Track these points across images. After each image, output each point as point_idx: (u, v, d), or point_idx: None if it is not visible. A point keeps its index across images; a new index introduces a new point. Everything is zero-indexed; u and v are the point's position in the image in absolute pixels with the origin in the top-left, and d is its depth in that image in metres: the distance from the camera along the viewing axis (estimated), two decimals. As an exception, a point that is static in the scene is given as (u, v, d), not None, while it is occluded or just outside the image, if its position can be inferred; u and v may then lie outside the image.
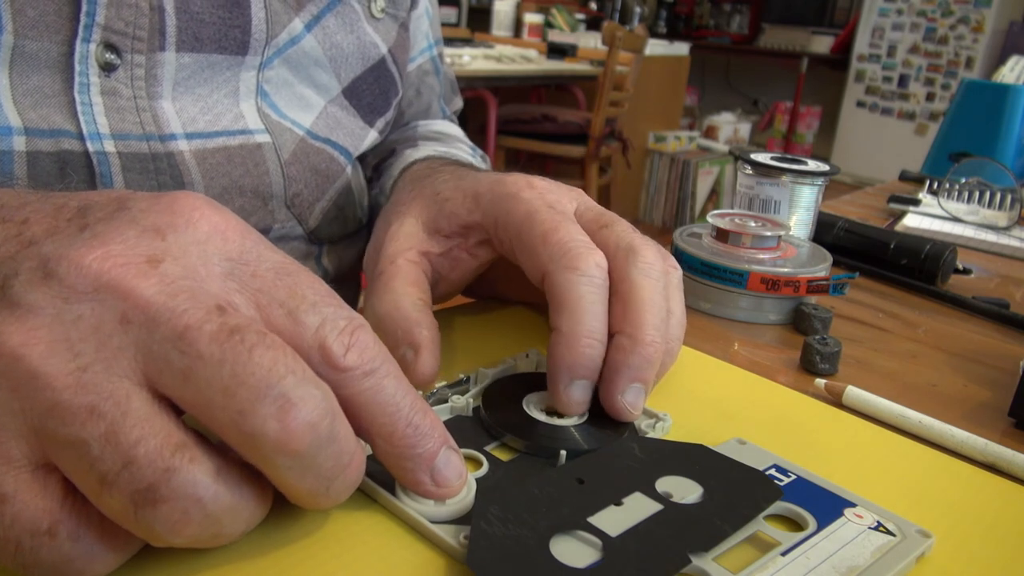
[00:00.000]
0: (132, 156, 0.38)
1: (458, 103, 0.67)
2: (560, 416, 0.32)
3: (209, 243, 0.23)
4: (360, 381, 0.24)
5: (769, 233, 0.50)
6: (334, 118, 0.48)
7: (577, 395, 0.31)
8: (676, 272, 0.35)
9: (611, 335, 0.32)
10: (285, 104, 0.45)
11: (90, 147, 0.36)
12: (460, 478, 0.26)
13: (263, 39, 0.42)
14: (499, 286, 0.44)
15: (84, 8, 0.35)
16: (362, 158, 0.58)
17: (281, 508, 0.26)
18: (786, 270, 0.48)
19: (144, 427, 0.20)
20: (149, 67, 0.38)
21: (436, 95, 0.63)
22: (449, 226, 0.37)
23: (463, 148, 0.60)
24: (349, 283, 0.54)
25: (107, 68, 0.37)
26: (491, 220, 0.36)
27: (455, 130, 0.63)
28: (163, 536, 0.20)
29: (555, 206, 0.35)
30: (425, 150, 0.54)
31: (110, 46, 0.37)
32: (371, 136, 0.52)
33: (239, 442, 0.21)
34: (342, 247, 0.51)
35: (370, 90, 0.50)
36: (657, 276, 0.33)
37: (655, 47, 3.68)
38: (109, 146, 0.37)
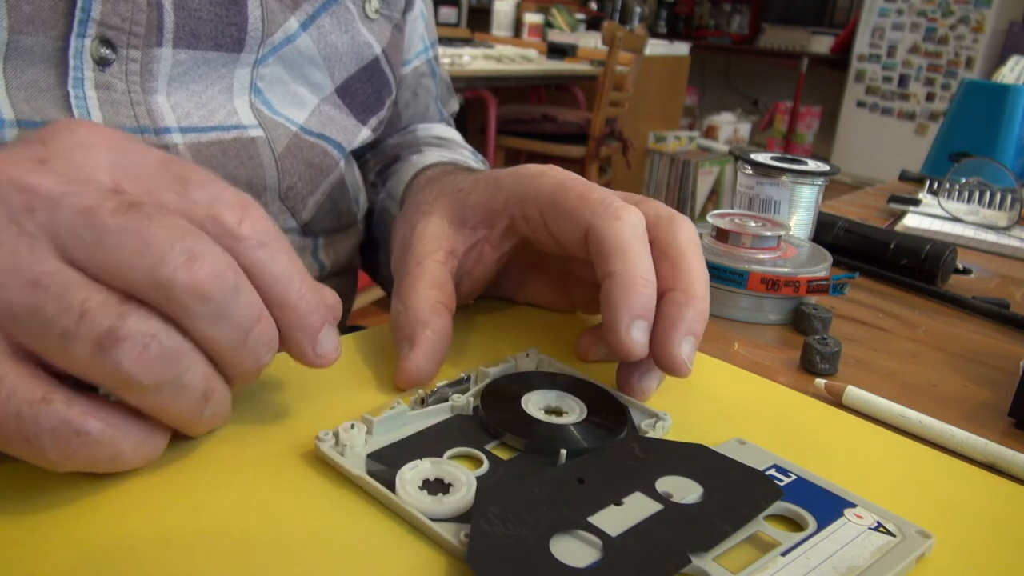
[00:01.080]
0: None
1: (454, 105, 0.68)
2: (560, 415, 0.32)
3: (90, 145, 0.26)
4: (255, 250, 0.26)
5: (769, 233, 0.50)
6: (327, 115, 0.49)
7: (639, 335, 0.32)
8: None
9: (661, 295, 0.33)
10: (278, 101, 0.45)
11: None
12: (337, 351, 0.29)
13: (259, 37, 0.43)
14: (504, 287, 0.44)
15: (79, 4, 0.36)
16: (363, 161, 0.59)
17: (282, 508, 0.26)
18: (786, 270, 0.48)
19: (86, 287, 0.23)
20: (145, 62, 0.39)
21: (433, 97, 0.63)
22: (474, 217, 0.38)
23: (465, 153, 0.60)
24: (346, 276, 0.54)
25: (102, 63, 0.37)
26: (516, 199, 0.37)
27: (455, 135, 0.64)
28: (132, 375, 0.23)
29: (581, 180, 0.36)
30: (432, 156, 0.54)
31: (105, 41, 0.37)
32: (364, 133, 0.52)
33: (155, 295, 0.23)
34: (337, 240, 0.51)
35: (363, 89, 0.50)
36: (699, 244, 0.35)
37: (655, 47, 3.68)
38: None
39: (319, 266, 0.50)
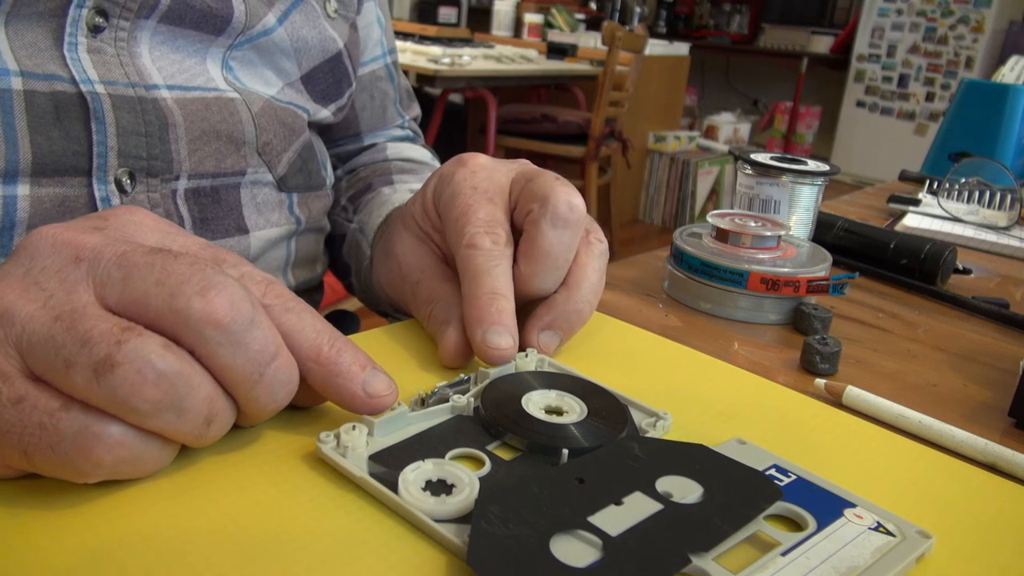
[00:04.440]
0: (121, 98, 0.40)
1: (415, 110, 0.71)
2: (560, 415, 0.32)
3: (143, 224, 0.29)
4: (281, 314, 0.28)
5: (769, 233, 0.50)
6: (289, 96, 0.52)
7: (494, 339, 0.35)
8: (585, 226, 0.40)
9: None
10: (247, 78, 0.48)
11: (83, 88, 0.39)
12: (390, 389, 0.29)
13: (240, 28, 0.46)
14: None
15: None
16: (334, 180, 0.62)
17: (284, 509, 0.26)
18: (786, 270, 0.48)
19: (97, 319, 0.24)
20: (131, 30, 0.41)
21: (391, 100, 0.66)
22: (425, 220, 0.42)
23: None
24: (319, 233, 0.57)
25: (94, 30, 0.40)
26: (435, 200, 0.41)
27: (424, 154, 0.67)
28: (127, 399, 0.24)
29: (478, 186, 0.39)
30: (401, 190, 0.58)
31: (100, 11, 0.40)
32: (324, 112, 0.55)
33: (172, 322, 0.25)
34: (310, 200, 0.54)
35: (325, 79, 0.54)
36: (563, 225, 0.37)
37: (655, 47, 3.68)
38: (100, 89, 0.40)
39: (295, 219, 0.52)
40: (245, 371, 0.26)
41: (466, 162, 0.40)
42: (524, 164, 0.42)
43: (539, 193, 0.37)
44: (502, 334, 0.35)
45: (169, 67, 0.43)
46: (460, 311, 0.38)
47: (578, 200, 0.37)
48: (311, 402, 0.32)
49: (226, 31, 0.45)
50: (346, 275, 0.62)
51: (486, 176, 0.40)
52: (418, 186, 0.58)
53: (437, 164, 0.66)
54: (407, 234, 0.43)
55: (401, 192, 0.58)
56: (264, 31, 0.47)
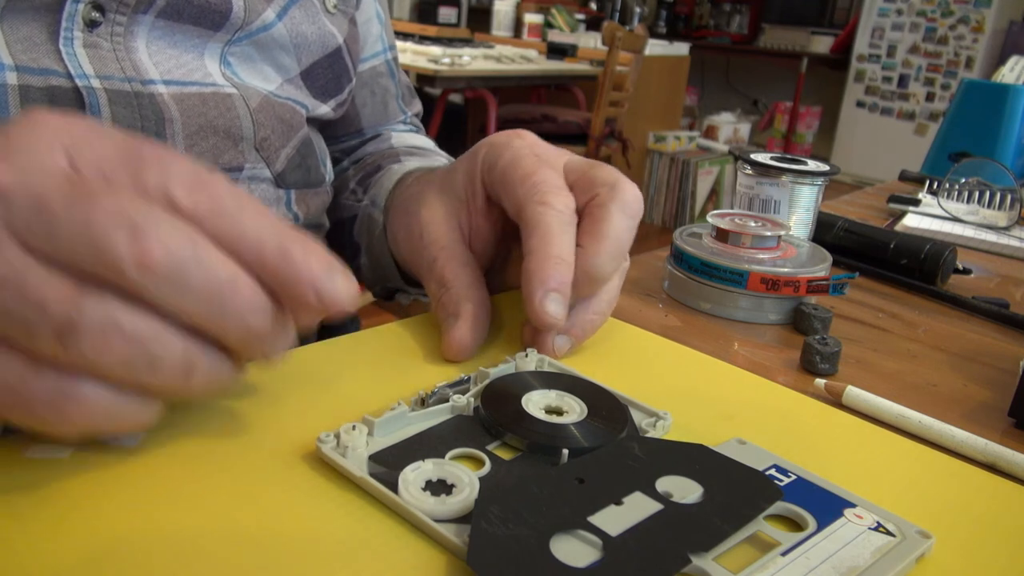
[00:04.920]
0: (117, 93, 0.40)
1: (417, 105, 0.70)
2: (560, 415, 0.32)
3: (48, 132, 0.25)
4: (216, 222, 0.25)
5: (769, 233, 0.50)
6: (289, 92, 0.51)
7: (552, 307, 0.35)
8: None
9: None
10: (245, 74, 0.48)
11: (79, 83, 0.39)
12: (350, 292, 0.26)
13: (238, 24, 0.45)
14: (511, 275, 0.46)
15: None
16: (341, 170, 0.62)
17: (284, 510, 0.26)
18: (786, 270, 0.48)
19: (45, 279, 0.23)
20: (128, 25, 0.41)
21: (393, 96, 0.66)
22: (463, 190, 0.41)
23: (441, 160, 0.63)
24: (317, 231, 0.56)
25: (91, 25, 0.39)
26: (486, 167, 0.40)
27: (428, 143, 0.67)
28: (96, 361, 0.23)
29: (540, 155, 0.39)
30: (411, 164, 0.57)
31: (97, 6, 0.39)
32: (323, 108, 0.55)
33: (110, 278, 0.23)
34: (308, 196, 0.53)
35: (324, 74, 0.53)
36: (629, 213, 0.37)
37: (655, 47, 3.68)
38: (96, 84, 0.40)
39: (292, 216, 0.52)
40: (202, 311, 0.24)
41: (522, 135, 0.41)
42: (571, 153, 0.42)
43: (607, 180, 0.38)
44: (560, 303, 0.35)
45: (166, 62, 0.43)
46: (471, 304, 0.38)
47: (640, 195, 0.38)
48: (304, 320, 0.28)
49: (224, 26, 0.45)
50: (354, 257, 0.60)
51: (544, 149, 0.40)
52: (427, 163, 0.58)
53: (443, 152, 0.66)
54: (437, 200, 0.42)
55: (409, 164, 0.57)
56: (263, 26, 0.47)
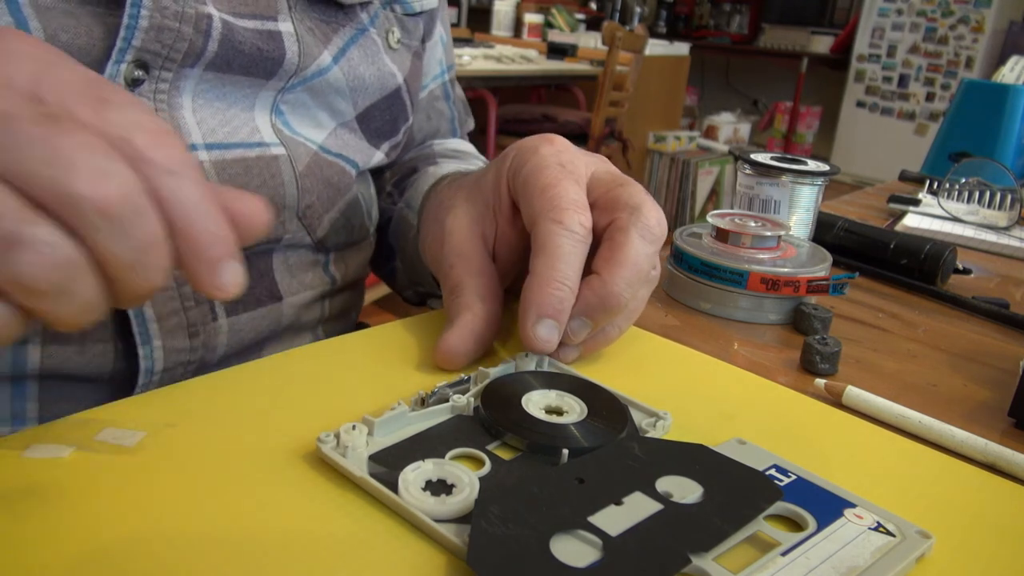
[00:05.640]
0: None
1: (470, 124, 0.69)
2: (560, 415, 0.32)
3: (16, 52, 0.26)
4: (163, 176, 0.25)
5: (769, 233, 0.50)
6: (343, 138, 0.49)
7: (543, 332, 0.35)
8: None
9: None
10: (298, 122, 0.46)
11: None
12: (238, 286, 0.27)
13: (292, 70, 0.43)
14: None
15: (121, 34, 0.36)
16: (377, 173, 0.60)
17: (284, 510, 0.26)
18: (786, 270, 0.48)
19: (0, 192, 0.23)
20: (174, 81, 0.39)
21: (446, 119, 0.64)
22: (490, 194, 0.40)
23: (478, 163, 0.61)
24: (355, 290, 0.55)
25: (133, 83, 0.38)
26: (512, 172, 0.39)
27: (469, 147, 0.65)
28: (27, 278, 0.23)
29: (566, 165, 0.38)
30: (448, 167, 0.56)
31: (141, 64, 0.37)
32: (377, 156, 0.53)
33: (60, 205, 0.23)
34: (348, 255, 0.52)
35: (381, 116, 0.51)
36: (650, 238, 0.36)
37: (655, 47, 3.68)
38: None
39: (330, 279, 0.50)
40: (125, 258, 0.25)
41: (552, 140, 0.39)
42: (601, 160, 0.41)
43: (630, 202, 0.37)
44: (553, 329, 0.35)
45: (211, 119, 0.41)
46: (470, 314, 0.37)
47: (664, 219, 0.37)
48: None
49: (277, 74, 0.43)
50: (389, 260, 0.59)
51: (571, 159, 0.39)
52: (464, 167, 0.57)
53: (481, 156, 0.64)
54: (463, 207, 0.41)
55: (446, 167, 0.56)
56: (318, 71, 0.45)
